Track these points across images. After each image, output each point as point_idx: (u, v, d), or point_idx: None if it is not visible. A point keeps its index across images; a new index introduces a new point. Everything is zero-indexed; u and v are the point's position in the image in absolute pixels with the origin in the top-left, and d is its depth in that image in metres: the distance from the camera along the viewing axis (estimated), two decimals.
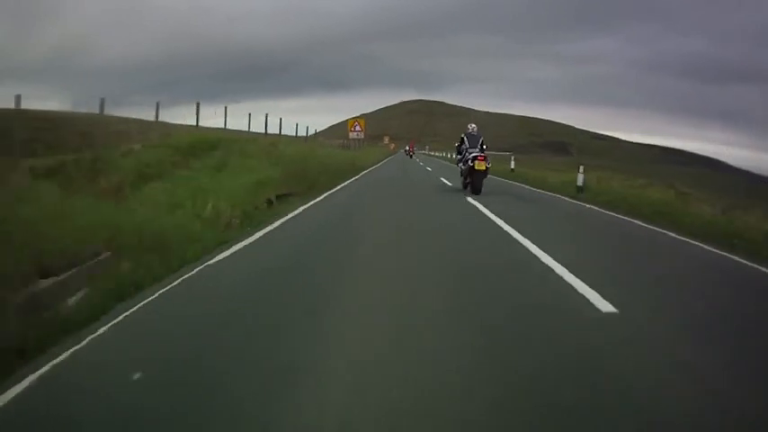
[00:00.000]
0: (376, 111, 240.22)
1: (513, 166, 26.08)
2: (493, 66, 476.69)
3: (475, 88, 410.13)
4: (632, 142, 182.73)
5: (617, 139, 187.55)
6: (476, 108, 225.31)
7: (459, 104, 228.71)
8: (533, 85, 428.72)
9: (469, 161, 13.28)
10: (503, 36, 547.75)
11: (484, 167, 13.03)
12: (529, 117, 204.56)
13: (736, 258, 6.94)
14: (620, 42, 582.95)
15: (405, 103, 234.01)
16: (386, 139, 76.41)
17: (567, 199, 14.56)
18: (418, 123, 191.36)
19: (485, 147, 13.71)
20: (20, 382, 2.67)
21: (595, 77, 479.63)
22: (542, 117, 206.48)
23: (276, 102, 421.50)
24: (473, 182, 13.15)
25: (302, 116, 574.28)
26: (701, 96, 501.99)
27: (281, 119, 26.59)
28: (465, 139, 14.04)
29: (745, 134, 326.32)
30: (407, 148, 62.84)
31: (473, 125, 14.43)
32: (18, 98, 10.96)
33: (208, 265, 5.12)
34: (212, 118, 20.61)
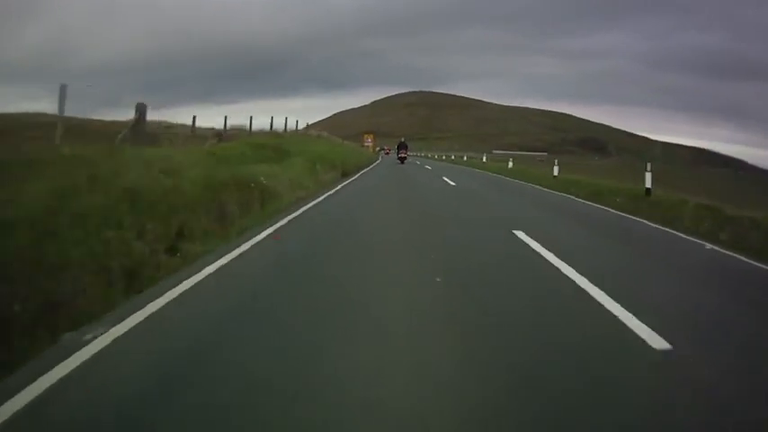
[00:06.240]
0: (368, 104, 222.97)
1: (555, 173, 23.60)
2: (497, 61, 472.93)
3: (479, 84, 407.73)
4: (662, 141, 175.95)
5: (645, 138, 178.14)
6: (487, 100, 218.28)
7: (469, 96, 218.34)
8: (539, 81, 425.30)
9: (399, 155, 39.18)
10: (505, 31, 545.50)
11: (405, 156, 39.01)
12: (552, 111, 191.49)
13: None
14: (630, 37, 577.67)
15: (404, 94, 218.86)
16: (369, 139, 63.16)
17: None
18: (420, 118, 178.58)
19: (408, 146, 40.54)
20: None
21: (605, 74, 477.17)
22: (562, 111, 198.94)
23: (272, 101, 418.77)
24: (401, 159, 38.09)
25: (294, 114, 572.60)
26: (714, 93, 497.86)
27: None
28: (400, 144, 39.91)
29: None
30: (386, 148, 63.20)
31: (402, 138, 41.76)
32: None
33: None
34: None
